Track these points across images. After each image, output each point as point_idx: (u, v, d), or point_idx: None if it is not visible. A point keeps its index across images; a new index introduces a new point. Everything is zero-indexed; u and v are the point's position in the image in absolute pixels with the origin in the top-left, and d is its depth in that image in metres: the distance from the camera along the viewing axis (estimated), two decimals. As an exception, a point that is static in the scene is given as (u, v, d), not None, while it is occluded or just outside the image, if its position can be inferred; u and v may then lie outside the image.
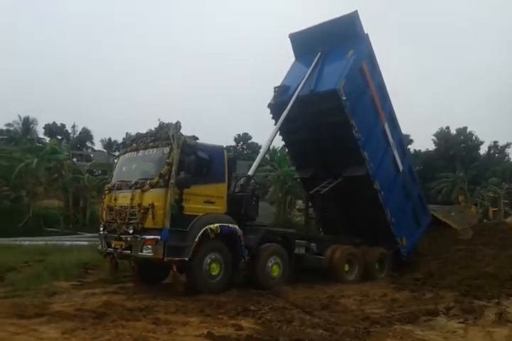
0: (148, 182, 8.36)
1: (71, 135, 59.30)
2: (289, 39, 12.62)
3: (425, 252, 13.09)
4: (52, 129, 59.68)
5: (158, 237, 7.95)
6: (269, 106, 12.07)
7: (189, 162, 8.36)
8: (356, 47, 11.45)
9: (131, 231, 8.26)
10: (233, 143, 67.95)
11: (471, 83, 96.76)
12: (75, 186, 24.69)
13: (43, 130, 58.17)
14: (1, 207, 23.18)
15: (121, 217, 8.53)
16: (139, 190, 8.37)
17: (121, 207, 8.65)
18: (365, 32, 11.76)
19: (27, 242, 14.41)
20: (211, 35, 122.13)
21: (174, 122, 8.73)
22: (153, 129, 9.13)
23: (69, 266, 10.26)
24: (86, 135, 59.40)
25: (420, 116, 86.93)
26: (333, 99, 10.84)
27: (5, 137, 54.71)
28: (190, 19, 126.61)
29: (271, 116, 12.05)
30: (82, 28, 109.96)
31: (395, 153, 12.27)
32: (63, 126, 60.66)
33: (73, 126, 59.16)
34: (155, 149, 8.86)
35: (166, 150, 8.56)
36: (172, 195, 8.13)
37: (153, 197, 8.21)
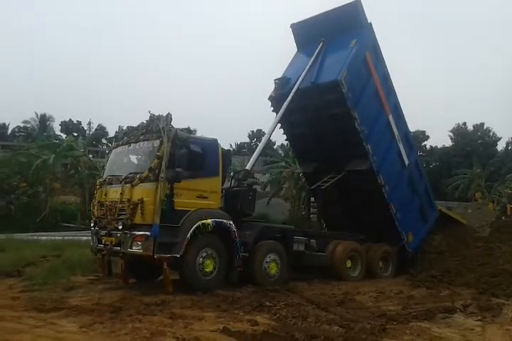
0: (137, 176, 8.12)
1: (87, 132, 59.86)
2: (290, 29, 12.25)
3: (442, 249, 12.90)
4: (68, 126, 60.36)
5: (148, 233, 7.69)
6: (270, 98, 11.78)
7: (180, 155, 8.09)
8: (359, 37, 11.09)
9: (120, 227, 8.02)
10: (247, 140, 67.98)
11: (489, 78, 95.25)
12: (91, 182, 24.88)
13: (60, 127, 58.94)
14: (19, 202, 23.51)
15: (112, 212, 8.29)
16: (128, 185, 8.14)
17: (111, 202, 8.41)
18: (369, 21, 11.40)
19: (44, 237, 14.64)
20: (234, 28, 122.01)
21: (165, 114, 8.41)
22: (144, 122, 8.82)
23: (85, 261, 10.36)
24: (102, 132, 59.84)
25: (437, 112, 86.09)
26: (335, 91, 10.55)
27: (22, 134, 55.59)
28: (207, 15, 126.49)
29: (271, 109, 11.76)
30: (96, 21, 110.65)
31: (401, 147, 11.92)
32: (79, 123, 61.33)
33: (89, 123, 59.77)
34: (145, 142, 8.60)
35: (157, 143, 8.28)
36: (162, 189, 7.85)
37: (142, 191, 7.95)
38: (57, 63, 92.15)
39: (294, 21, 12.18)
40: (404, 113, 12.37)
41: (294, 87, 10.94)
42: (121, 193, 8.18)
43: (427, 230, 12.84)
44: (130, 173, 8.37)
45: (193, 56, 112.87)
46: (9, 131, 59.71)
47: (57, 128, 56.79)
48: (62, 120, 59.63)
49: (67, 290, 8.15)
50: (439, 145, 56.36)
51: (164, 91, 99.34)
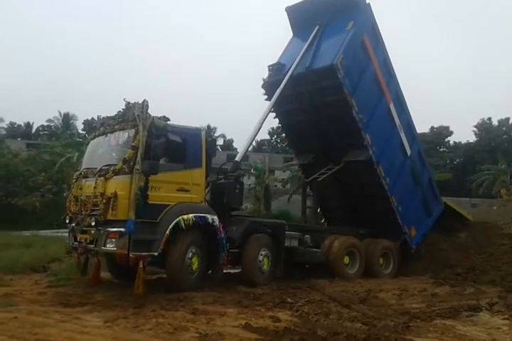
0: (111, 168, 7.54)
1: (109, 130, 60.61)
2: (286, 13, 11.69)
3: (467, 246, 12.65)
4: (91, 124, 61.20)
5: (123, 230, 7.12)
6: (263, 86, 11.29)
7: (157, 145, 7.49)
8: (356, 19, 10.43)
9: (93, 224, 7.46)
10: (267, 137, 67.89)
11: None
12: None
13: (82, 125, 59.81)
14: (44, 200, 23.98)
15: (86, 207, 7.70)
16: (102, 178, 7.55)
17: (86, 196, 7.81)
18: (367, 1, 10.82)
19: (68, 234, 14.86)
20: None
21: (140, 101, 7.75)
22: (121, 111, 8.14)
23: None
24: (123, 130, 60.51)
25: (461, 108, 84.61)
26: (331, 76, 10.03)
27: (46, 132, 56.64)
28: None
29: (265, 97, 11.25)
30: (120, 21, 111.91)
31: (402, 136, 11.29)
32: (101, 121, 62.15)
33: (111, 121, 60.43)
34: (121, 132, 7.97)
35: (132, 132, 7.64)
36: (137, 182, 7.25)
37: (116, 185, 7.36)
38: (80, 62, 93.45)
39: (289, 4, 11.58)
40: (407, 100, 11.67)
41: (288, 72, 10.47)
42: (94, 187, 7.61)
43: (430, 224, 12.19)
44: (104, 165, 7.76)
45: (214, 51, 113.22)
46: (33, 130, 60.95)
47: (80, 127, 57.58)
48: (85, 118, 60.62)
49: (91, 286, 8.23)
50: (463, 141, 55.65)
51: (187, 88, 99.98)
